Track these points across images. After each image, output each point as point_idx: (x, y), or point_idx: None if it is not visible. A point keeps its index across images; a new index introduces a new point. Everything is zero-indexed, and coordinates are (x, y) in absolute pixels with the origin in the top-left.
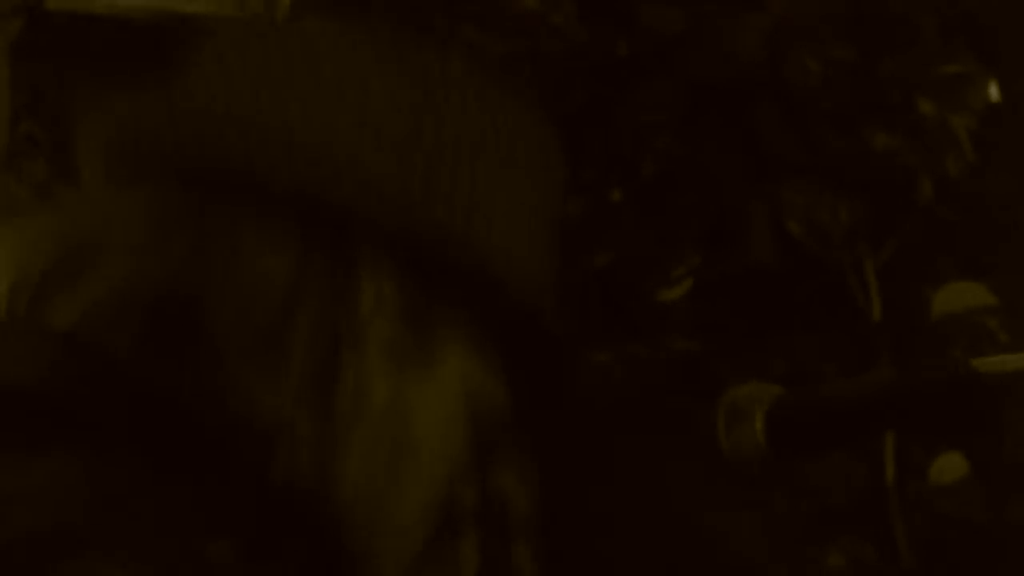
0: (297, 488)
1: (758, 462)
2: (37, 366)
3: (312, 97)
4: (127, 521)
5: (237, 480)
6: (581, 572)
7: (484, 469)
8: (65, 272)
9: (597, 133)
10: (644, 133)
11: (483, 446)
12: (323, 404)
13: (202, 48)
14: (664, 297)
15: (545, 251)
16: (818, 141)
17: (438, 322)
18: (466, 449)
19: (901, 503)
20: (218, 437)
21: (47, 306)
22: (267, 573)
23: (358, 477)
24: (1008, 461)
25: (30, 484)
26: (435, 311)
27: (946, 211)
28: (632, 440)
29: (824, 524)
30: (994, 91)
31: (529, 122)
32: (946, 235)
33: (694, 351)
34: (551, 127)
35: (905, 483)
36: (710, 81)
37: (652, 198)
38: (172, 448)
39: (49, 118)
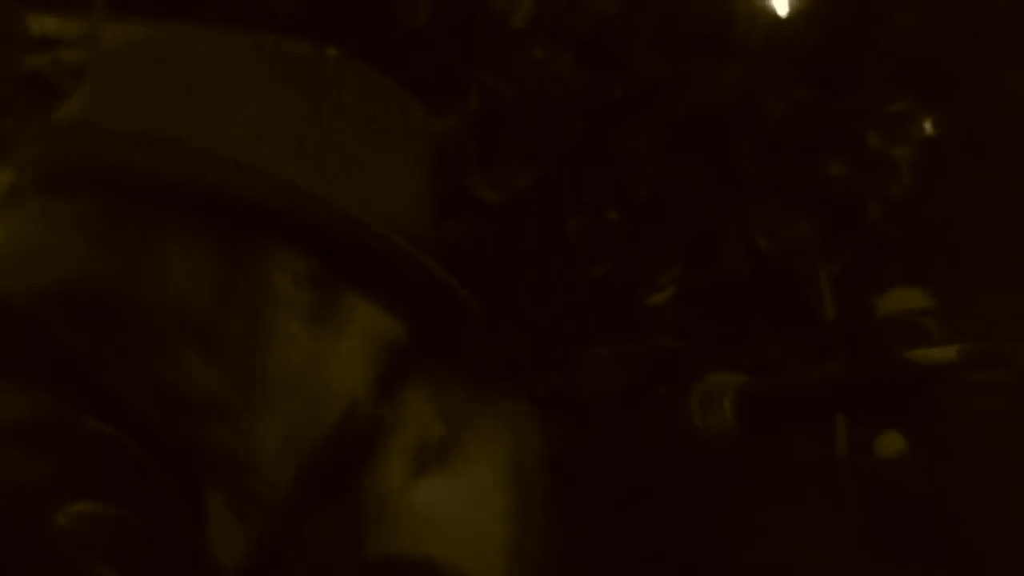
0: (217, 450)
1: (726, 438)
2: None
3: (206, 105)
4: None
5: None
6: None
7: (391, 394)
8: (5, 269)
9: (595, 163)
10: (635, 163)
11: (387, 377)
12: (252, 375)
13: (96, 67)
14: (652, 302)
15: (423, 211)
16: (782, 169)
17: (343, 287)
18: (369, 382)
19: (850, 473)
20: (139, 408)
21: None
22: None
23: (276, 431)
24: (939, 437)
25: None
26: (339, 279)
27: (890, 228)
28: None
29: (785, 493)
30: (929, 127)
31: (396, 106)
32: (889, 249)
33: (677, 347)
34: (417, 106)
35: (853, 456)
36: (691, 119)
37: (642, 218)
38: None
39: None
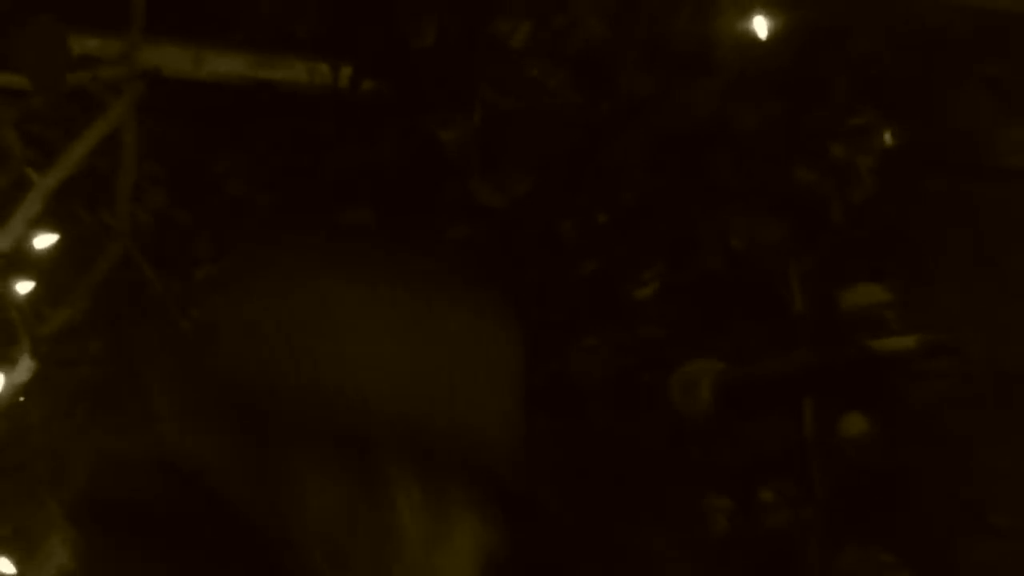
0: None
1: (704, 418)
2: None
3: (333, 344)
4: None
5: None
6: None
7: None
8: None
9: (587, 171)
10: (623, 171)
11: None
12: None
13: (233, 313)
14: (637, 296)
15: (517, 416)
16: (756, 177)
17: (452, 504)
18: None
19: (817, 451)
20: None
21: None
22: None
23: None
24: (898, 419)
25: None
26: (448, 497)
27: (852, 229)
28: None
29: (758, 468)
30: (888, 138)
31: (495, 330)
32: (852, 248)
33: (660, 336)
34: (513, 325)
35: (820, 436)
36: (673, 131)
37: (629, 220)
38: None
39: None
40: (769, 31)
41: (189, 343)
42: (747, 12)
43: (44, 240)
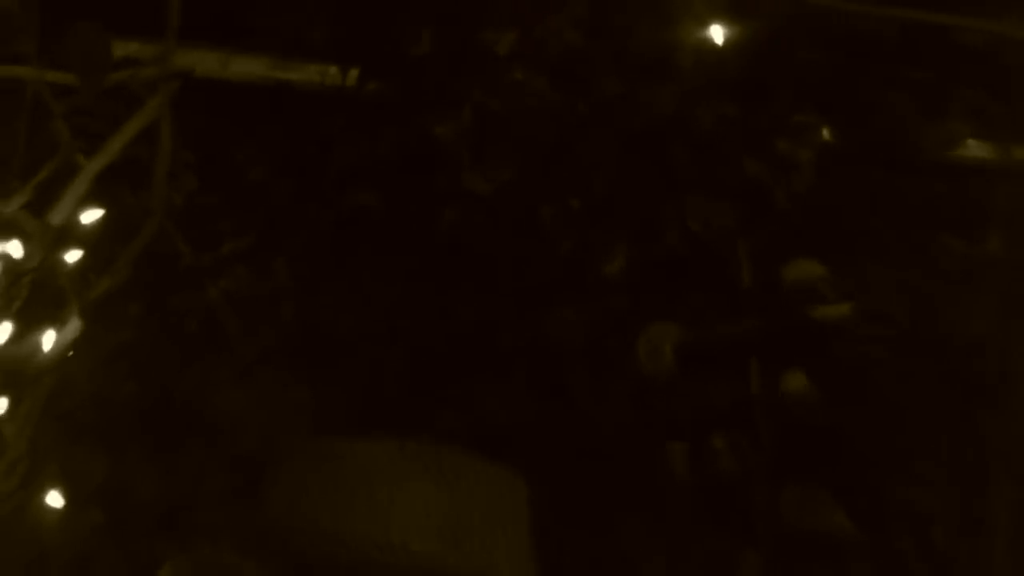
0: None
1: (666, 376)
2: None
3: (372, 502)
4: None
5: None
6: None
7: None
8: None
9: (563, 162)
10: (595, 162)
11: None
12: None
13: (285, 473)
14: (607, 271)
15: (527, 558)
16: (710, 168)
17: None
18: None
19: (763, 405)
20: None
21: None
22: None
23: None
24: (834, 377)
25: None
26: None
27: (794, 214)
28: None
29: (712, 419)
30: (827, 134)
31: (510, 489)
32: (794, 230)
33: (627, 306)
34: (522, 485)
35: (766, 392)
36: (638, 128)
37: (600, 206)
38: None
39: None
40: (724, 40)
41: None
42: (704, 23)
43: (91, 216)
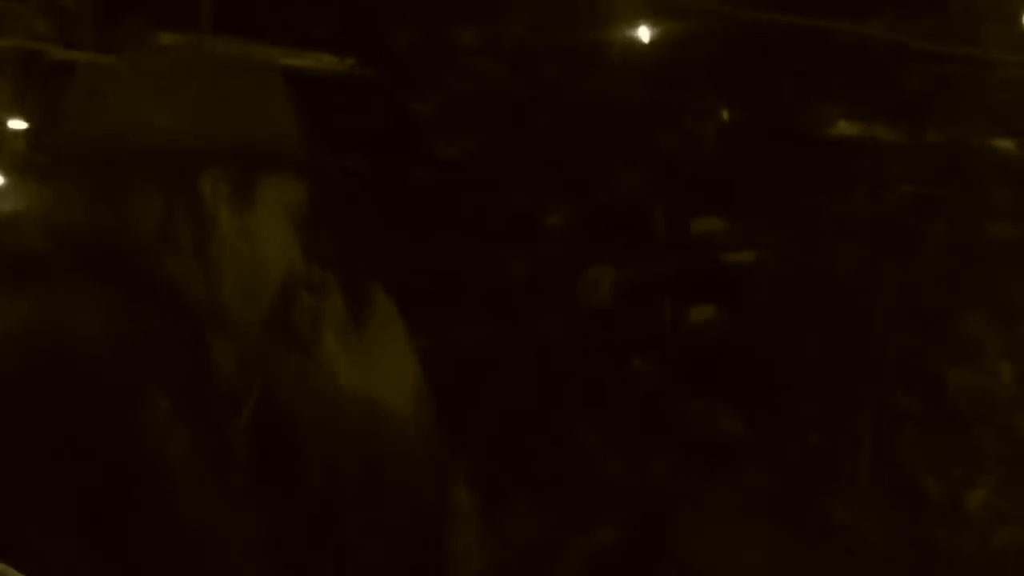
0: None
1: (603, 307)
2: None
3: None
4: None
5: None
6: None
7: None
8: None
9: (516, 133)
10: (541, 132)
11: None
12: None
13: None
14: (549, 222)
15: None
16: (633, 140)
17: (257, 184)
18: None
19: (675, 332)
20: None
21: None
22: None
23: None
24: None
25: None
26: (254, 180)
27: (699, 179)
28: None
29: (635, 342)
30: (726, 115)
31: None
32: (700, 190)
33: (569, 251)
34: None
35: (676, 323)
36: (576, 106)
37: (546, 169)
38: None
39: None
40: (649, 37)
41: None
42: (633, 21)
43: None
